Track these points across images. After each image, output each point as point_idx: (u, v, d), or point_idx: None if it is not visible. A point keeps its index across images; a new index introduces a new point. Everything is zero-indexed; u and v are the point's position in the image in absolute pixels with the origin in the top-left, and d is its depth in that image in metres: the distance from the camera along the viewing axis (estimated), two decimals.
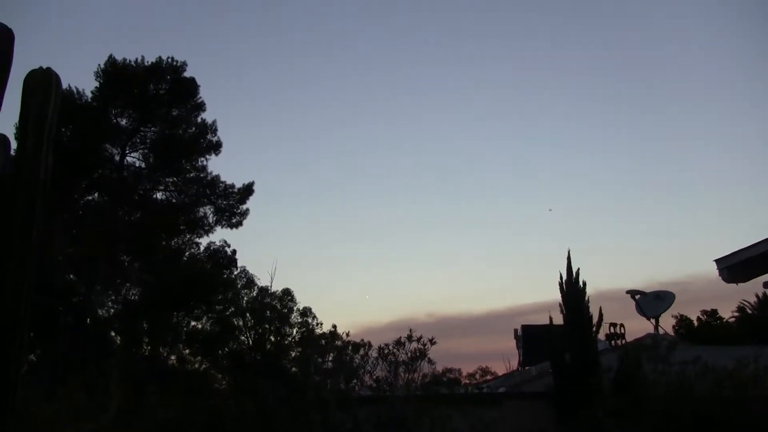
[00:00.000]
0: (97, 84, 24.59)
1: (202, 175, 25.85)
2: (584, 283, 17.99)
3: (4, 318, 5.26)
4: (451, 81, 54.52)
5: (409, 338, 16.46)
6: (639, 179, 54.87)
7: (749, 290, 40.16)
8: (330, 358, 18.35)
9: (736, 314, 41.32)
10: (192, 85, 25.56)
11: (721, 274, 11.11)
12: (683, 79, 50.32)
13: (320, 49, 52.26)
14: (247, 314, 25.86)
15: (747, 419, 12.74)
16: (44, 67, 5.85)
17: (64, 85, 8.29)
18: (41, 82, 5.76)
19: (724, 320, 40.57)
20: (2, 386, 5.20)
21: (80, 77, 30.71)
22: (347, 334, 19.13)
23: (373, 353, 16.90)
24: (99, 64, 24.65)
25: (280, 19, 50.63)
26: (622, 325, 20.88)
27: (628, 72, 51.97)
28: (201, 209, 25.88)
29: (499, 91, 52.75)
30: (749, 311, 40.48)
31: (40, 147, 5.58)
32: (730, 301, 45.78)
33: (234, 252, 26.29)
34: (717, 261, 11.07)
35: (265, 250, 46.68)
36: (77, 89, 24.10)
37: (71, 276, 23.26)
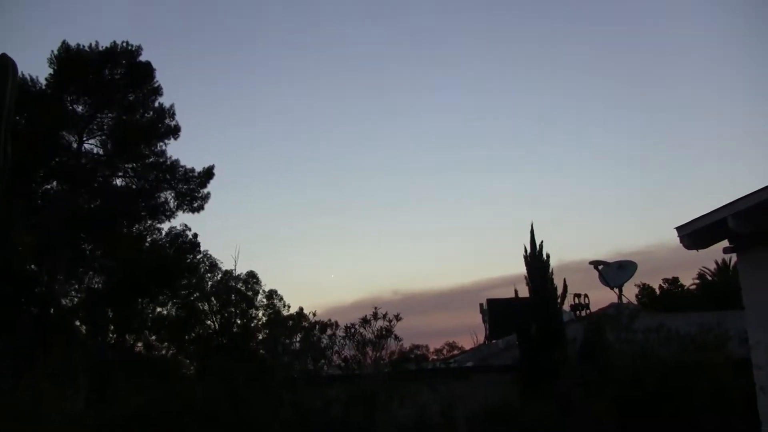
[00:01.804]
0: (51, 71, 24.25)
1: (161, 160, 25.63)
2: (548, 256, 18.23)
3: None
4: (412, 55, 54.59)
5: (375, 316, 16.54)
6: (600, 149, 55.47)
7: (709, 257, 40.96)
8: (297, 339, 18.37)
9: (696, 281, 42.09)
10: (148, 69, 25.28)
11: (682, 241, 11.26)
12: (646, 49, 50.83)
13: (275, 30, 51.98)
14: (212, 298, 25.75)
15: (711, 384, 12.97)
16: None
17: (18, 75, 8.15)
18: None
19: (686, 287, 41.31)
20: None
21: (33, 64, 30.23)
22: (314, 314, 19.16)
23: (340, 333, 16.98)
24: (52, 51, 24.28)
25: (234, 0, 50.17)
26: (586, 296, 21.08)
27: (595, 40, 52.31)
28: (162, 194, 25.67)
29: (460, 63, 52.86)
30: (709, 278, 41.25)
31: None
32: (690, 268, 46.68)
33: (196, 236, 26.10)
34: (678, 228, 11.21)
35: (227, 233, 46.57)
36: (31, 76, 23.74)
37: (33, 266, 23.01)
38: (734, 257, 12.25)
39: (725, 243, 11.41)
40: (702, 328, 14.46)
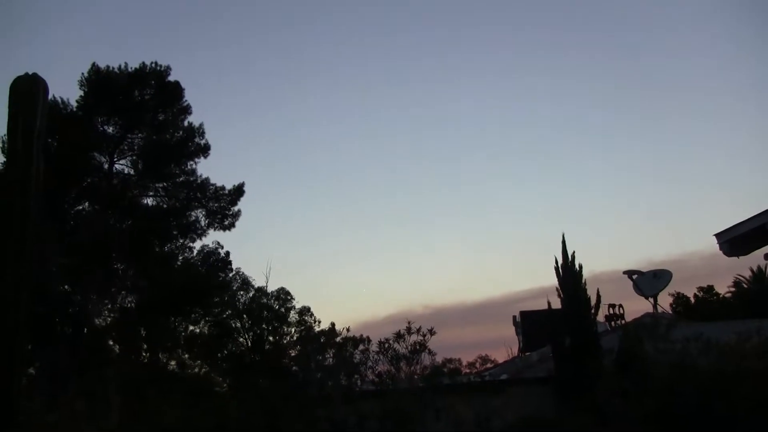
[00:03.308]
0: (81, 93, 24.55)
1: (191, 179, 25.78)
2: (581, 266, 17.98)
3: (3, 331, 5.18)
4: (441, 69, 54.58)
5: (409, 331, 16.47)
6: (631, 159, 55.08)
7: (744, 265, 40.37)
8: (330, 355, 18.32)
9: (732, 289, 41.45)
10: (177, 89, 25.48)
11: (721, 248, 11.07)
12: (677, 58, 50.56)
13: (304, 44, 52.19)
14: (244, 315, 25.79)
15: (751, 392, 12.73)
16: (30, 73, 5.73)
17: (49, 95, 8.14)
18: (28, 88, 5.66)
19: (721, 296, 40.67)
20: (3, 399, 5.13)
21: (64, 86, 30.58)
22: (347, 330, 19.13)
23: (373, 348, 16.92)
24: (82, 73, 24.63)
25: (262, 17, 50.44)
26: (620, 306, 20.88)
27: (620, 50, 52.04)
28: (192, 213, 25.83)
29: (490, 75, 52.80)
30: (745, 286, 40.62)
31: (30, 154, 5.49)
32: (725, 276, 45.98)
33: (228, 254, 26.24)
34: (717, 235, 11.02)
35: (258, 250, 46.64)
36: (62, 99, 24.04)
37: (66, 286, 23.16)
38: None
39: (766, 249, 11.20)
40: (741, 337, 14.23)
